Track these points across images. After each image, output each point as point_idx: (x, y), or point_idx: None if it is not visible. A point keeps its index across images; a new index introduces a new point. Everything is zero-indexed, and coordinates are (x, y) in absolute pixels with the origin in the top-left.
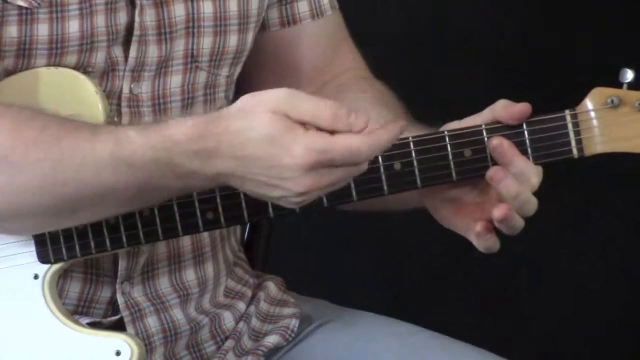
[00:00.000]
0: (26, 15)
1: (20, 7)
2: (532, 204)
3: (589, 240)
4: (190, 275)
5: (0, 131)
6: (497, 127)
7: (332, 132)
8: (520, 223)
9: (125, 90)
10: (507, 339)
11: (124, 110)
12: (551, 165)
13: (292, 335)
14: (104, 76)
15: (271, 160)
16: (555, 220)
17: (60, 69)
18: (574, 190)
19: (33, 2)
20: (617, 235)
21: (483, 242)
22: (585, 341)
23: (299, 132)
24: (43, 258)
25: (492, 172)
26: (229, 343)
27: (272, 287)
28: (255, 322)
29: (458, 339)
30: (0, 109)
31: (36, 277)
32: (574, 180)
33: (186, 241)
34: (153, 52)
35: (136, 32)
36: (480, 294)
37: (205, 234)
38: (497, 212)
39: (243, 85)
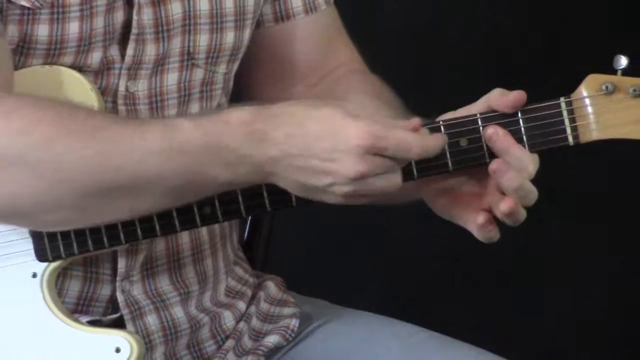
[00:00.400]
0: (27, 16)
1: (22, 7)
2: (533, 194)
3: (589, 240)
4: (190, 273)
5: (45, 122)
6: (492, 116)
7: None
8: (523, 214)
9: (122, 88)
10: (507, 339)
11: (121, 108)
12: (551, 158)
13: (292, 335)
14: (99, 74)
15: (326, 140)
16: (555, 220)
17: (55, 67)
18: (574, 191)
19: (35, 2)
20: (618, 235)
21: (485, 232)
22: (585, 341)
23: (357, 118)
24: (41, 256)
25: (495, 166)
26: (230, 343)
27: (272, 287)
28: (255, 322)
29: (458, 339)
30: (44, 103)
31: (34, 275)
32: (575, 180)
33: (185, 238)
34: (151, 51)
35: (134, 30)
36: (480, 293)
37: (204, 231)
38: (504, 206)
39: (239, 82)
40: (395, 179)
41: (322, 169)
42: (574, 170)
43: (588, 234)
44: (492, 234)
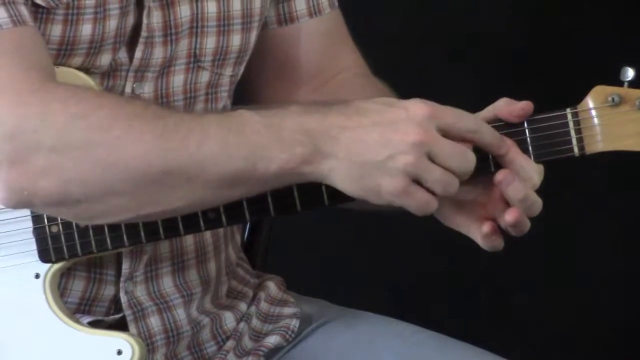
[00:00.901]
0: (42, 15)
1: (37, 6)
2: (538, 204)
3: (590, 241)
4: (193, 275)
5: (103, 106)
6: (499, 126)
7: None
8: (528, 224)
9: (128, 90)
10: (507, 339)
11: None
12: (552, 164)
13: (293, 335)
14: (106, 76)
15: (388, 113)
16: (556, 220)
17: (62, 67)
18: (575, 191)
19: (51, 2)
20: (619, 236)
21: (489, 242)
22: (585, 341)
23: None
24: (44, 257)
25: (501, 176)
26: (230, 343)
27: (272, 287)
28: (255, 322)
29: (458, 339)
30: (97, 91)
31: (37, 276)
32: (575, 180)
33: (189, 240)
34: (159, 54)
35: (143, 33)
36: (480, 294)
37: (208, 233)
38: (509, 217)
39: (242, 83)
40: (454, 183)
41: (383, 139)
42: (574, 170)
43: (588, 234)
44: (497, 244)
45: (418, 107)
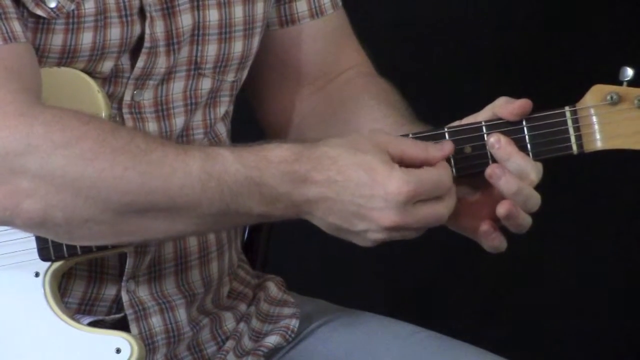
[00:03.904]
0: (43, 25)
1: (38, 17)
2: (535, 199)
3: (590, 241)
4: (195, 276)
5: (87, 137)
6: (497, 124)
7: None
8: (526, 220)
9: (127, 97)
10: (507, 339)
11: (126, 117)
12: (551, 162)
13: (292, 335)
14: (107, 81)
15: (367, 188)
16: (556, 220)
17: (64, 68)
18: (575, 190)
19: (52, 13)
20: (619, 236)
21: (489, 241)
22: (586, 341)
23: (395, 167)
24: (44, 255)
25: (490, 170)
26: (230, 344)
27: (272, 287)
28: (255, 323)
29: (458, 339)
30: (84, 117)
31: (37, 274)
32: (576, 179)
33: (192, 242)
34: (162, 63)
35: (146, 44)
36: (480, 294)
37: (212, 235)
38: (501, 209)
39: (244, 84)
40: (417, 233)
41: (359, 214)
42: (574, 170)
43: (588, 234)
44: (497, 243)
45: (397, 189)
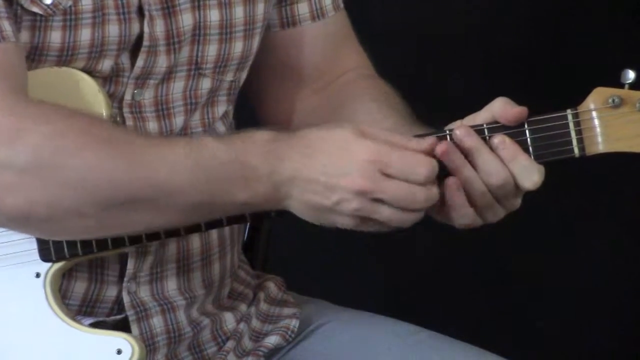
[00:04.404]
0: (40, 22)
1: (34, 14)
2: (478, 183)
3: (590, 241)
4: (197, 278)
5: (75, 129)
6: (499, 127)
7: None
8: (478, 185)
9: (127, 97)
10: (508, 339)
11: (127, 116)
12: (552, 165)
13: (292, 335)
14: (108, 80)
15: (332, 156)
16: (556, 221)
17: (65, 68)
18: (576, 191)
19: (48, 10)
20: (619, 237)
21: (454, 197)
22: (586, 341)
23: (363, 136)
24: (45, 256)
25: (442, 147)
26: (230, 344)
27: (272, 287)
28: (255, 323)
29: (458, 339)
30: (67, 112)
31: (38, 275)
32: (575, 180)
33: (195, 243)
34: (162, 62)
35: (145, 42)
36: (480, 294)
37: (215, 236)
38: (438, 148)
39: (245, 85)
40: (408, 217)
41: (329, 184)
42: (574, 171)
43: (588, 234)
44: (459, 200)
45: (362, 154)
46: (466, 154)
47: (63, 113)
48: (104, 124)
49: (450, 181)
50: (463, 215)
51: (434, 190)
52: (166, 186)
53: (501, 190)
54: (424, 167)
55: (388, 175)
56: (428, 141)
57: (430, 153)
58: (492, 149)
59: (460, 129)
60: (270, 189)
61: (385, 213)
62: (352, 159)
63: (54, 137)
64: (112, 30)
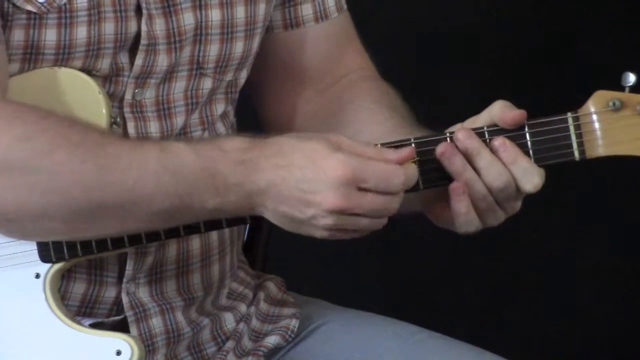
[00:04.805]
0: (34, 20)
1: (28, 12)
2: (480, 186)
3: (590, 242)
4: (196, 279)
5: (48, 131)
6: (499, 130)
7: None
8: (480, 189)
9: (128, 96)
10: (507, 339)
11: (128, 115)
12: (553, 168)
13: (292, 335)
14: (108, 80)
15: (308, 171)
16: (557, 221)
17: (64, 68)
18: (576, 193)
19: (42, 7)
20: (620, 239)
21: (457, 202)
22: (586, 342)
23: (336, 150)
24: (44, 257)
25: (442, 148)
26: (230, 344)
27: (272, 287)
28: (255, 323)
29: (458, 339)
30: (43, 112)
31: (37, 276)
32: (576, 183)
33: (195, 244)
34: (163, 61)
35: (143, 41)
36: (480, 294)
37: (215, 237)
38: (438, 148)
39: (247, 86)
40: (382, 221)
41: (304, 200)
42: (574, 170)
43: (588, 234)
44: (463, 209)
45: (334, 170)
46: (467, 157)
47: (37, 114)
48: (77, 126)
49: (455, 185)
50: (467, 222)
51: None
52: (134, 192)
53: (503, 193)
54: (399, 178)
55: (363, 190)
56: (405, 151)
57: (407, 162)
58: (492, 151)
59: (461, 131)
60: (242, 197)
61: (361, 223)
62: (326, 176)
63: (27, 139)
64: (109, 28)
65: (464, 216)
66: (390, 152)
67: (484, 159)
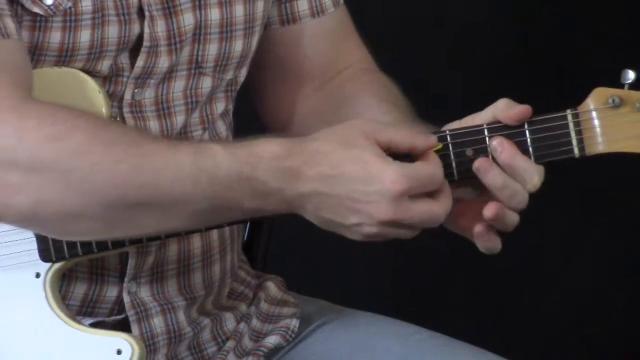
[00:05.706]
0: (40, 23)
1: (35, 14)
2: (522, 196)
3: (590, 242)
4: (197, 278)
5: (79, 129)
6: (499, 127)
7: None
8: (513, 218)
9: (127, 96)
10: (508, 339)
11: (127, 115)
12: (552, 165)
13: (293, 335)
14: (107, 80)
15: (362, 182)
16: (556, 221)
17: (65, 68)
18: (576, 192)
19: (49, 10)
20: (619, 237)
21: (484, 242)
22: (586, 342)
23: (389, 160)
24: (45, 256)
25: (479, 164)
26: (230, 344)
27: (272, 287)
28: (255, 323)
29: (458, 339)
30: (76, 112)
31: (38, 275)
32: (575, 181)
33: (196, 243)
34: (163, 62)
35: (145, 43)
36: (480, 294)
37: (215, 236)
38: (488, 211)
39: (246, 83)
40: (417, 231)
41: (353, 208)
42: (574, 169)
43: (588, 233)
44: (491, 244)
45: (392, 182)
46: (504, 166)
47: (70, 114)
48: (112, 125)
49: (490, 212)
50: (497, 242)
51: (450, 200)
52: (170, 194)
53: (514, 200)
54: (439, 175)
55: (412, 197)
56: (431, 139)
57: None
58: (491, 151)
59: (497, 138)
60: (280, 202)
61: (405, 235)
62: (385, 188)
63: (57, 139)
64: (112, 31)
65: (497, 240)
66: (420, 139)
67: (520, 164)
